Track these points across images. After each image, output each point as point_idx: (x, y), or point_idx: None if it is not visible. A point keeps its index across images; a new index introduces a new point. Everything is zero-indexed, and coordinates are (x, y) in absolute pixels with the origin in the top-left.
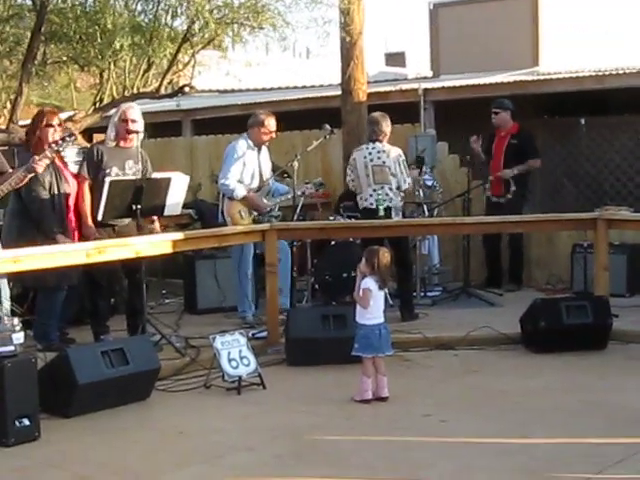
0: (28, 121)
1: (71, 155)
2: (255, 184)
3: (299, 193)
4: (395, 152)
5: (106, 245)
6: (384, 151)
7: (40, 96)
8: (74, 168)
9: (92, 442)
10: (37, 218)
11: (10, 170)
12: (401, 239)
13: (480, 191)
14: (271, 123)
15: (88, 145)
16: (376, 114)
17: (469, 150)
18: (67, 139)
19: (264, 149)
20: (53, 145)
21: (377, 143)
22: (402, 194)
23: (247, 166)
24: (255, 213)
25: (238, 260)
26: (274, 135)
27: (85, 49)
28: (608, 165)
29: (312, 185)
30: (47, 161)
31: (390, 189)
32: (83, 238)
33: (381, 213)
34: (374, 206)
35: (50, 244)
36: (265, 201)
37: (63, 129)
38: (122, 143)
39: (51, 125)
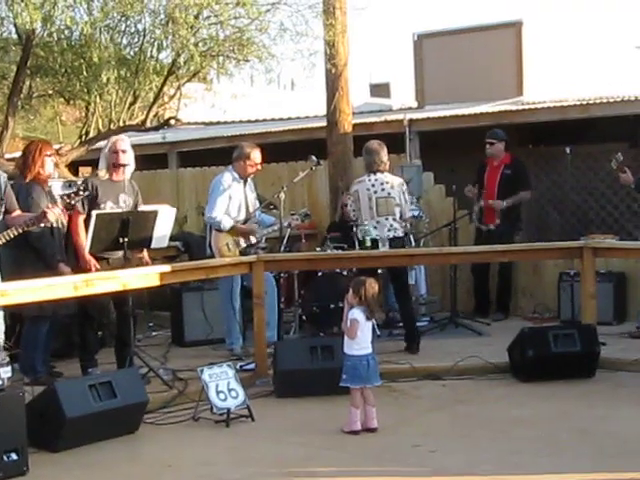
0: (14, 154)
1: (56, 189)
2: (242, 216)
3: (285, 224)
4: (397, 182)
5: (93, 278)
6: (387, 182)
7: (26, 129)
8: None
9: (81, 476)
10: (38, 247)
11: (18, 211)
12: (402, 270)
13: (466, 220)
14: (256, 155)
15: (74, 178)
16: (373, 143)
17: (458, 189)
18: (81, 194)
19: (249, 181)
20: (65, 197)
21: (378, 174)
22: (404, 223)
23: (233, 199)
24: (243, 245)
25: (226, 292)
26: (259, 167)
27: (71, 82)
28: (593, 193)
29: (298, 216)
30: (58, 211)
31: (394, 219)
32: (79, 270)
33: (368, 244)
34: (375, 235)
35: (50, 274)
36: (256, 226)
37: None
38: (114, 176)
39: (47, 155)
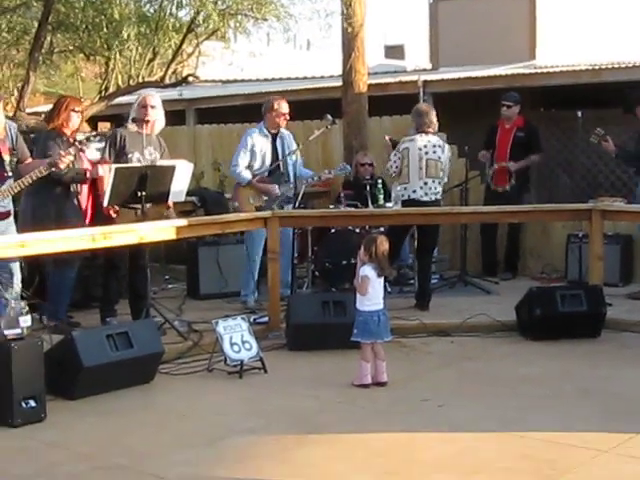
0: (37, 108)
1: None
2: (264, 169)
3: (316, 178)
4: (448, 149)
5: (111, 231)
6: (440, 146)
7: (46, 85)
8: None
9: (96, 423)
10: (57, 179)
11: (30, 159)
12: (432, 230)
13: (477, 181)
14: (282, 106)
15: (93, 132)
16: (423, 105)
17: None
18: (92, 139)
19: (286, 136)
20: (77, 144)
21: (430, 135)
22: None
23: (257, 153)
24: (265, 198)
25: (251, 245)
26: (287, 117)
27: (91, 39)
28: (602, 157)
29: (332, 171)
30: (71, 158)
31: (439, 183)
32: (102, 219)
33: (381, 202)
34: (418, 197)
35: (62, 225)
36: (275, 187)
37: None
38: (142, 129)
39: (74, 110)
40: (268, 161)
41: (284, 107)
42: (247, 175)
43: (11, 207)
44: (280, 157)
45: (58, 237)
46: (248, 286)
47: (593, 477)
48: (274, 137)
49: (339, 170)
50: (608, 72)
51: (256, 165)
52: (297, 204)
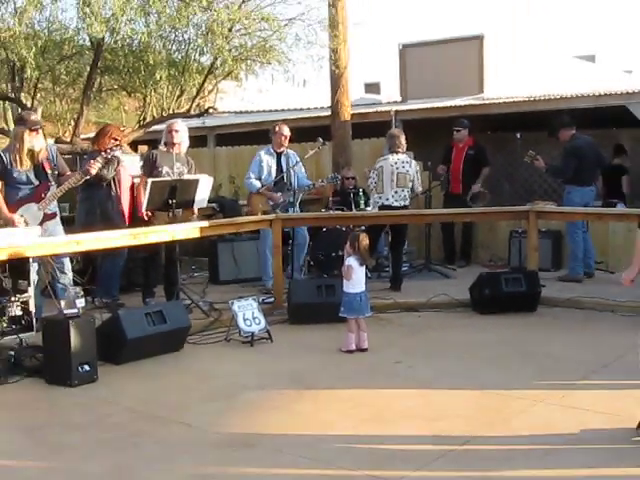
0: (89, 135)
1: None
2: (270, 180)
3: (317, 185)
4: (414, 164)
5: (149, 231)
6: (407, 162)
7: (96, 116)
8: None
9: (138, 383)
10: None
11: (69, 172)
12: (401, 228)
13: (438, 189)
14: (283, 129)
15: (135, 153)
16: (395, 130)
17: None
18: (114, 148)
19: (291, 156)
20: (103, 153)
21: (400, 154)
22: (413, 194)
23: (264, 168)
24: (271, 203)
25: (264, 241)
26: (287, 138)
27: (132, 79)
28: (537, 170)
29: (325, 180)
30: (99, 165)
31: (408, 191)
32: (140, 221)
33: (362, 206)
34: (390, 203)
35: (107, 225)
36: (279, 194)
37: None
38: (170, 149)
39: (115, 138)
40: (273, 174)
41: (285, 130)
42: (257, 184)
43: (57, 210)
44: (284, 171)
45: (105, 236)
46: (266, 273)
47: (532, 421)
48: (279, 155)
49: (331, 179)
50: (542, 102)
51: (264, 177)
52: (296, 208)
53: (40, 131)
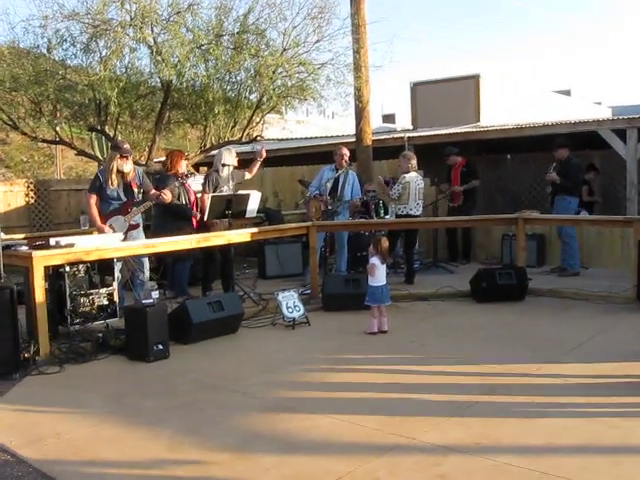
0: (160, 159)
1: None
2: (324, 190)
3: (361, 198)
4: (422, 181)
5: (209, 236)
6: (421, 179)
7: (165, 143)
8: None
9: (202, 359)
10: (177, 211)
11: (153, 191)
12: (413, 232)
13: (444, 201)
14: (343, 151)
15: (192, 172)
16: (408, 153)
17: (440, 185)
18: (189, 175)
19: (350, 175)
20: (178, 179)
21: (413, 173)
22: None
23: (323, 180)
24: (323, 208)
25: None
26: (345, 158)
27: (194, 114)
28: (524, 184)
29: (361, 196)
30: (169, 194)
31: (422, 203)
32: (204, 227)
33: (382, 215)
34: (413, 213)
35: (179, 232)
36: (328, 200)
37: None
38: (224, 172)
39: (182, 158)
40: (329, 186)
41: (344, 152)
42: (314, 191)
43: (140, 221)
44: (339, 185)
45: (175, 241)
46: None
47: (523, 389)
48: (337, 171)
49: (371, 196)
50: (528, 129)
51: (322, 188)
52: (344, 216)
53: (130, 158)
